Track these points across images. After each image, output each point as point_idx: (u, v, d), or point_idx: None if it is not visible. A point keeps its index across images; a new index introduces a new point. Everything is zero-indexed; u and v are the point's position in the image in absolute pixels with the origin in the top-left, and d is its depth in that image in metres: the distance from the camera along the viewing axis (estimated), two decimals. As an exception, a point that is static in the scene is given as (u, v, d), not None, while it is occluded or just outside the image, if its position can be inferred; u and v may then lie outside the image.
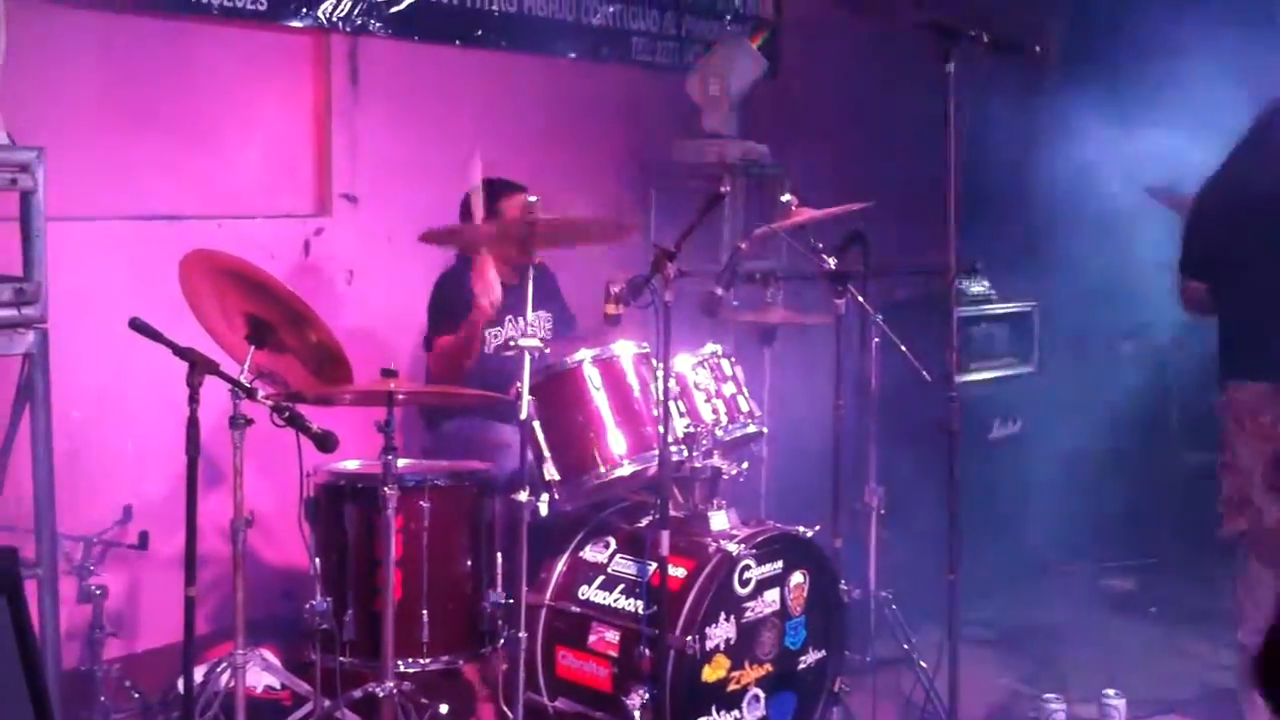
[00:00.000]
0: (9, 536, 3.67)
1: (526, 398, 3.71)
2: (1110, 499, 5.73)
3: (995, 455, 5.56)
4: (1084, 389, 5.85)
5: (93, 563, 3.98)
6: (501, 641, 3.94)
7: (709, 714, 3.80)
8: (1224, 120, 4.05)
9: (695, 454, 4.00)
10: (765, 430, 4.33)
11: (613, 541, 4.10)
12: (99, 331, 4.10)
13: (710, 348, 4.22)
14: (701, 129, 6.07)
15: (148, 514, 4.19)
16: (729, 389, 4.20)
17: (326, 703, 3.73)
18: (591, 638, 3.94)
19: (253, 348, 3.69)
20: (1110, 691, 4.28)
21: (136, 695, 4.11)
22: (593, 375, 3.97)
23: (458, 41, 5.39)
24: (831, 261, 4.34)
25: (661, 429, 3.73)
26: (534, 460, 3.92)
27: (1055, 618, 5.36)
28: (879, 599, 4.45)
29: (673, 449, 3.83)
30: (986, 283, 5.77)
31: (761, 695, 3.95)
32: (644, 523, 4.09)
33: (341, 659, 3.83)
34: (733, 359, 4.29)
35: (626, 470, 3.94)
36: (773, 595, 3.97)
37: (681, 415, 4.01)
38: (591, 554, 4.10)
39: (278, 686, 4.09)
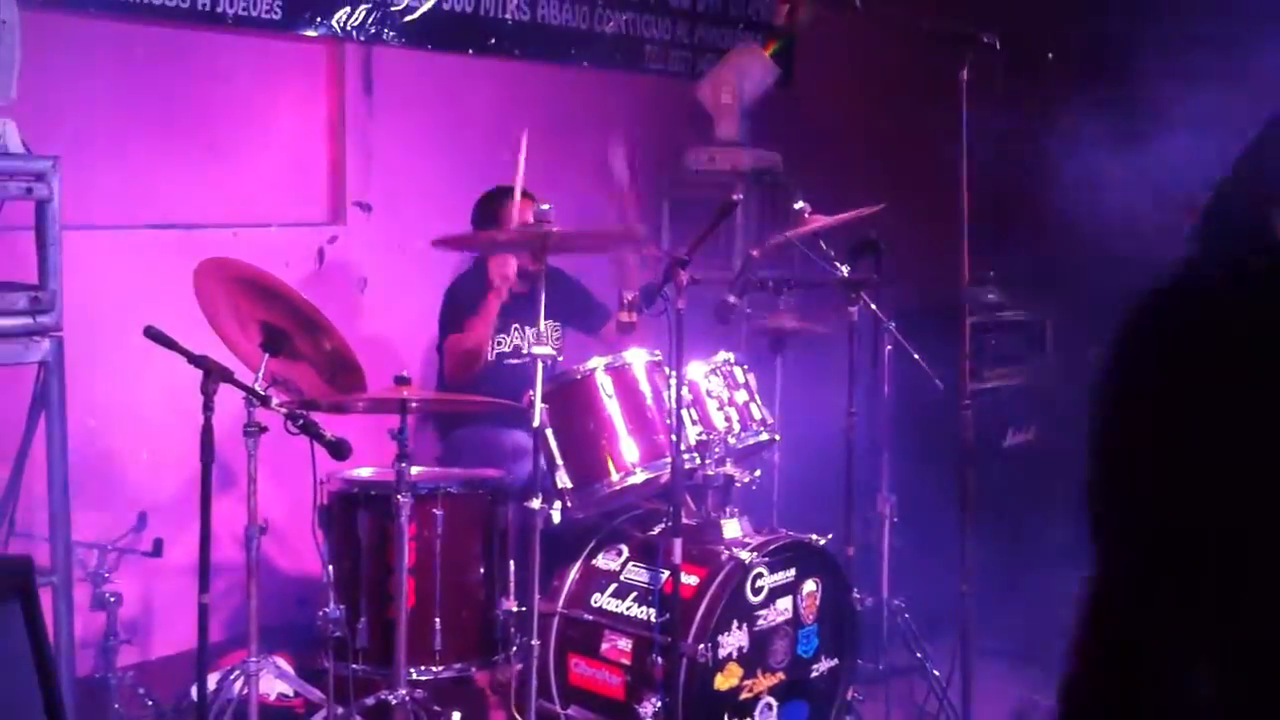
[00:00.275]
0: (24, 543, 3.70)
1: (539, 405, 3.71)
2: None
3: (1008, 464, 5.55)
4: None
5: (107, 570, 4.00)
6: (514, 649, 3.94)
7: (721, 722, 3.80)
8: (1242, 130, 4.03)
9: (708, 462, 4.00)
10: (778, 438, 4.33)
11: (625, 549, 4.11)
12: (114, 339, 4.12)
13: (723, 355, 4.22)
14: (714, 137, 6.07)
15: (162, 521, 4.21)
16: (741, 396, 4.20)
17: (340, 710, 3.74)
18: (604, 646, 3.94)
19: (267, 355, 3.70)
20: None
21: (150, 702, 4.12)
22: (605, 383, 3.98)
23: (471, 50, 5.41)
24: (844, 269, 4.34)
25: (674, 437, 3.74)
26: (546, 468, 3.93)
27: (1069, 627, 5.33)
28: (892, 607, 4.45)
29: (685, 457, 3.83)
30: (1000, 290, 5.76)
31: (774, 704, 3.95)
32: (656, 530, 4.09)
33: (354, 666, 3.83)
34: (745, 366, 4.29)
35: (639, 478, 3.94)
36: (785, 603, 3.97)
37: (694, 423, 4.01)
38: (604, 562, 4.10)
39: (291, 694, 4.11)
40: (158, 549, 4.08)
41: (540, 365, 3.72)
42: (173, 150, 4.57)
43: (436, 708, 3.82)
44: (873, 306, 4.41)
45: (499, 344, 4.69)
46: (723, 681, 3.79)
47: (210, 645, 3.59)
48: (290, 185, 5.02)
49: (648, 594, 3.92)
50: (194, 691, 3.65)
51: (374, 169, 5.17)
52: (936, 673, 4.32)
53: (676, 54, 6.26)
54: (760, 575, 3.88)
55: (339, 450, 3.45)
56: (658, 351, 4.08)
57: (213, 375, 3.48)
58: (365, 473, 4.10)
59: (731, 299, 4.10)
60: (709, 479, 4.04)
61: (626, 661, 3.88)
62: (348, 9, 4.89)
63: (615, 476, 3.93)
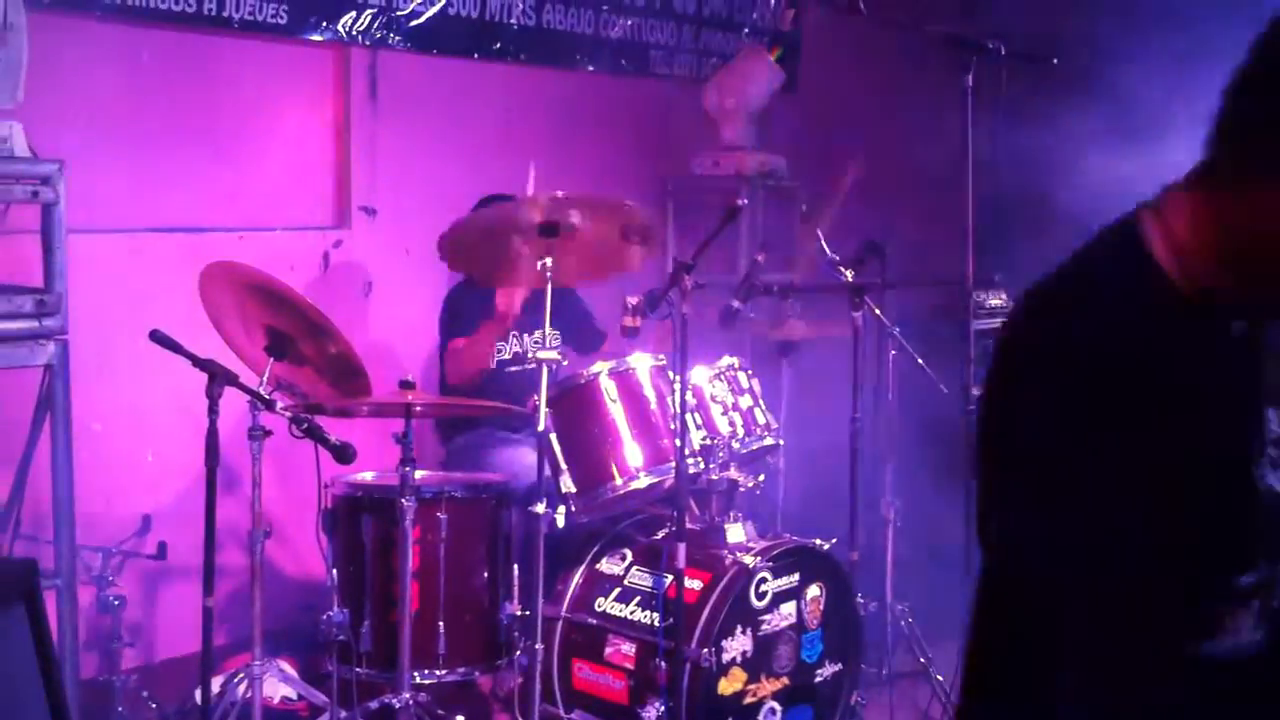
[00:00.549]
0: (29, 547, 3.70)
1: (544, 410, 3.71)
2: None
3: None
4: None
5: (111, 573, 4.00)
6: (518, 653, 3.94)
7: (725, 727, 3.80)
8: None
9: (712, 466, 4.00)
10: (782, 443, 4.33)
11: (629, 554, 4.11)
12: (119, 343, 4.13)
13: (727, 360, 4.23)
14: (719, 141, 6.07)
15: (166, 524, 4.21)
16: (746, 401, 4.20)
17: (343, 714, 3.74)
18: (608, 650, 3.94)
19: (272, 359, 3.71)
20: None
21: (154, 705, 4.12)
22: (609, 388, 3.98)
23: (476, 55, 5.41)
24: (849, 274, 4.34)
25: (678, 441, 3.74)
26: (551, 472, 3.93)
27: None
28: (896, 612, 4.45)
29: (689, 461, 3.84)
30: (1005, 295, 5.76)
31: (778, 708, 3.95)
32: (660, 535, 4.10)
33: (358, 670, 3.84)
34: (750, 371, 4.29)
35: (643, 483, 3.94)
36: (789, 608, 3.97)
37: (698, 428, 4.01)
38: (608, 566, 4.11)
39: (294, 697, 4.11)
40: (162, 552, 4.09)
41: (546, 370, 3.73)
42: (178, 154, 4.58)
43: (440, 712, 3.82)
44: (877, 311, 4.41)
45: (499, 351, 4.70)
46: (726, 686, 3.79)
47: (214, 649, 3.59)
48: (295, 189, 5.03)
49: (651, 598, 3.92)
50: (198, 695, 3.66)
51: (379, 173, 5.18)
52: (940, 678, 4.32)
53: (681, 59, 6.27)
54: (764, 580, 3.88)
55: (343, 454, 3.46)
56: (662, 356, 4.08)
57: (218, 379, 3.49)
58: (369, 477, 4.11)
59: (736, 304, 4.10)
60: (713, 484, 4.04)
61: (630, 666, 3.88)
62: (353, 14, 4.90)
63: (619, 481, 3.93)
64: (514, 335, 4.70)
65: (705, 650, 3.70)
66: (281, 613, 4.49)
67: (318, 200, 5.12)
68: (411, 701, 3.72)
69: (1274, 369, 1.47)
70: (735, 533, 4.02)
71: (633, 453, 3.95)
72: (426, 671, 3.87)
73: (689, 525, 3.80)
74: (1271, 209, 1.34)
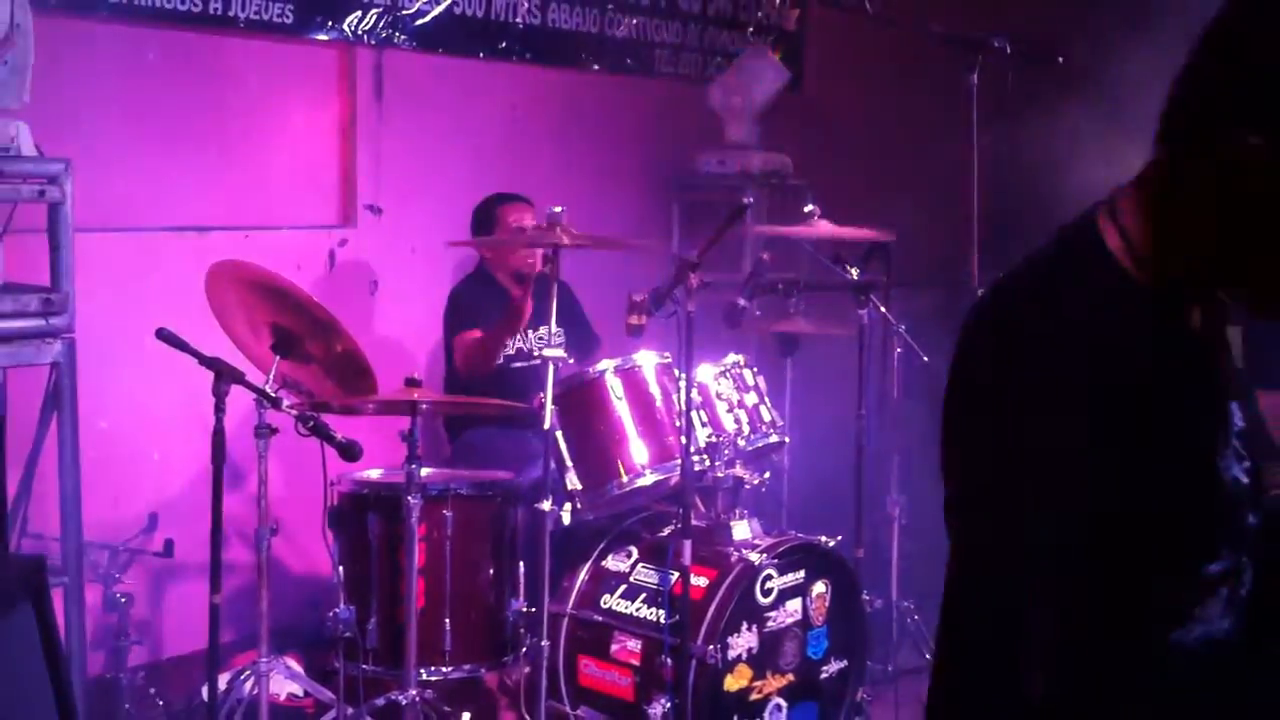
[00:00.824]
0: (36, 544, 3.71)
1: (550, 407, 3.72)
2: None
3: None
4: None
5: (118, 570, 4.01)
6: (524, 650, 3.95)
7: (731, 724, 3.81)
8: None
9: (717, 464, 4.00)
10: (787, 440, 4.33)
11: (635, 551, 4.11)
12: (126, 341, 4.13)
13: (732, 358, 4.23)
14: (724, 140, 6.08)
15: (173, 522, 4.22)
16: (751, 399, 4.21)
17: (350, 710, 3.75)
18: (614, 647, 3.95)
19: (278, 357, 3.71)
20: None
21: (161, 702, 4.13)
22: (615, 385, 3.99)
23: (481, 54, 5.42)
24: (854, 272, 4.34)
25: (684, 439, 3.74)
26: (556, 470, 3.93)
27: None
28: (901, 609, 4.45)
29: (695, 459, 3.84)
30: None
31: (783, 705, 3.95)
32: (666, 532, 4.10)
33: (364, 667, 3.85)
34: (755, 369, 4.29)
35: (649, 480, 3.95)
36: (795, 605, 3.97)
37: (704, 425, 4.02)
38: (614, 563, 4.11)
39: (301, 694, 4.12)
40: (169, 550, 4.10)
41: (552, 367, 3.74)
42: (184, 153, 4.59)
43: (446, 708, 3.83)
44: (882, 309, 4.41)
45: (504, 347, 4.71)
46: (732, 683, 3.79)
47: (221, 646, 3.60)
48: (301, 188, 5.04)
49: (657, 595, 3.93)
50: (204, 692, 3.66)
51: (384, 172, 5.19)
52: (935, 675, 4.32)
53: (687, 58, 6.27)
54: (770, 577, 3.88)
55: (349, 452, 3.47)
56: (667, 354, 4.09)
57: (224, 377, 3.50)
58: (375, 474, 4.11)
59: (741, 302, 4.11)
60: (718, 481, 4.05)
61: (636, 663, 3.89)
62: (359, 13, 4.91)
63: (625, 478, 3.94)
64: (519, 332, 4.71)
65: (711, 647, 3.71)
66: (288, 610, 4.51)
67: (323, 199, 5.13)
68: (418, 698, 3.72)
69: (1233, 363, 1.52)
70: (741, 530, 4.03)
71: (638, 450, 3.96)
72: (432, 668, 3.88)
73: (694, 522, 3.80)
74: (1198, 206, 1.41)
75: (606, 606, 4.02)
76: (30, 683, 2.80)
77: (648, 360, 4.07)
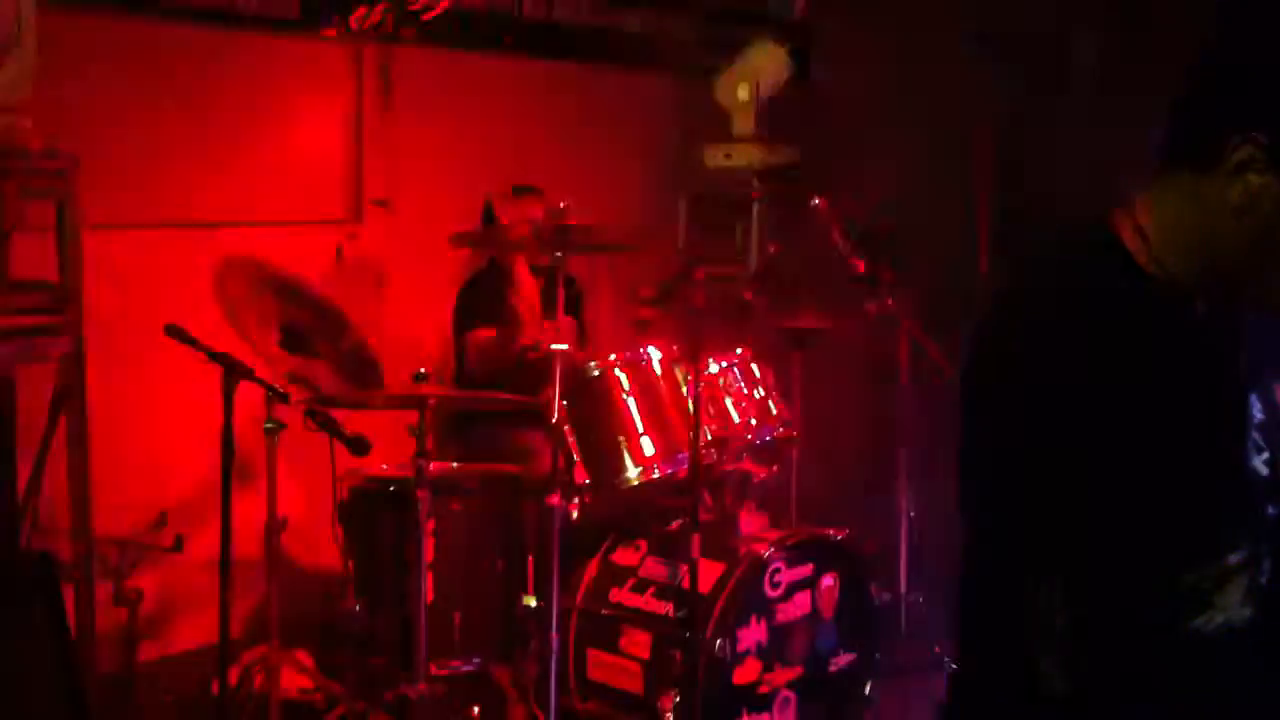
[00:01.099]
0: (46, 540, 3.72)
1: (558, 401, 3.72)
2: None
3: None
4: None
5: (128, 566, 4.02)
6: (533, 644, 3.95)
7: (740, 716, 3.81)
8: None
9: (725, 457, 4.00)
10: (795, 434, 4.33)
11: (644, 544, 4.11)
12: (135, 337, 4.14)
13: (740, 351, 4.23)
14: (731, 133, 6.07)
15: (183, 517, 4.23)
16: (759, 392, 4.20)
17: (359, 705, 3.75)
18: (623, 640, 3.95)
19: (286, 353, 3.72)
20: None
21: (171, 697, 4.14)
22: (623, 379, 3.98)
23: (489, 49, 5.41)
24: (862, 265, 4.34)
25: (692, 432, 3.74)
26: (564, 464, 3.93)
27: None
28: (909, 602, 4.45)
29: (703, 452, 3.84)
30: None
31: (792, 698, 3.95)
32: (675, 526, 4.10)
33: (374, 661, 3.85)
34: (763, 362, 4.29)
35: (657, 474, 3.95)
36: (804, 598, 3.97)
37: (712, 418, 4.02)
38: (623, 557, 4.11)
39: (311, 689, 4.12)
40: (178, 545, 4.10)
41: (560, 361, 3.74)
42: (191, 149, 4.59)
43: (456, 703, 3.83)
44: (890, 302, 4.40)
45: (516, 344, 4.71)
46: (741, 675, 3.79)
47: (231, 640, 3.61)
48: (309, 183, 5.04)
49: (666, 589, 3.93)
50: (215, 686, 3.67)
51: (392, 167, 5.19)
52: (955, 666, 4.31)
53: (694, 51, 6.26)
54: (778, 570, 3.88)
55: (358, 446, 3.47)
56: (675, 348, 4.08)
57: (233, 373, 3.50)
58: (384, 469, 4.12)
59: (749, 295, 4.10)
60: (727, 474, 4.05)
61: (645, 656, 3.89)
62: (366, 8, 4.91)
63: (633, 472, 3.94)
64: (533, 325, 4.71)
65: (720, 640, 3.71)
66: (298, 604, 4.51)
67: (331, 194, 5.13)
68: (427, 692, 3.73)
69: (1252, 357, 1.55)
70: (749, 523, 4.03)
71: (646, 444, 3.95)
72: (442, 662, 3.88)
73: (703, 516, 3.80)
74: (1210, 207, 1.46)
75: (615, 600, 4.02)
76: (41, 678, 2.81)
77: (655, 354, 4.06)
